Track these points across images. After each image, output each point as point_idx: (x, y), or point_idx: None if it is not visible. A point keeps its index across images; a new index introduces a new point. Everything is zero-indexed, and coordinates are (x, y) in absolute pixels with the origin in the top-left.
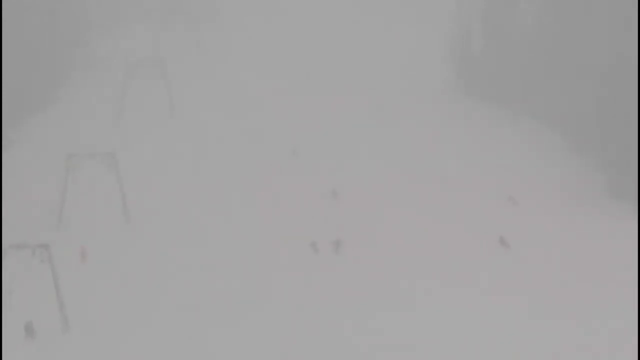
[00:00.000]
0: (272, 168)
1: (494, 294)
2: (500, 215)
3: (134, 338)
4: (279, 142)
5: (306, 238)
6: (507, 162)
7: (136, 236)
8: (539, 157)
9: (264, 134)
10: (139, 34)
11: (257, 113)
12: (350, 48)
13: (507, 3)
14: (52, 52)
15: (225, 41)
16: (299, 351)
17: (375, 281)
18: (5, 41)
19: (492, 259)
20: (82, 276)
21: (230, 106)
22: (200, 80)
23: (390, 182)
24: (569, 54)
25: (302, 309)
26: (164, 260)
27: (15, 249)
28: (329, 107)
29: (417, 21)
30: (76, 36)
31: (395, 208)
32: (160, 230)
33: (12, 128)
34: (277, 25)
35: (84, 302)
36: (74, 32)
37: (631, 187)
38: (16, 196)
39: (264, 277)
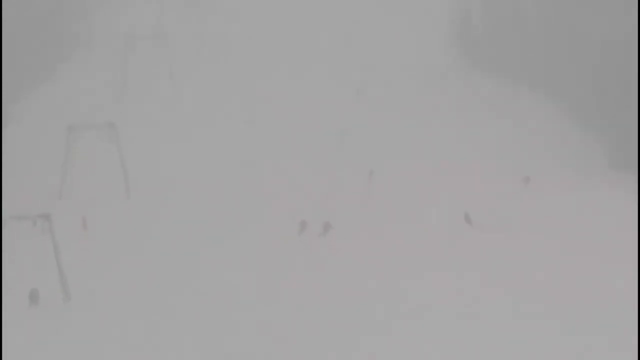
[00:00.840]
0: (275, 144)
1: (497, 272)
2: (501, 190)
3: (134, 310)
4: (282, 118)
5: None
6: (508, 135)
7: (137, 208)
8: (539, 129)
9: (266, 110)
10: (140, 8)
11: (258, 90)
12: (353, 24)
13: None
14: (52, 26)
15: (226, 20)
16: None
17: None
18: (6, 16)
19: (494, 235)
20: (84, 247)
21: (231, 82)
22: (201, 55)
23: (394, 162)
24: (569, 25)
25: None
26: (164, 232)
27: (16, 219)
28: (333, 84)
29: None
30: (77, 10)
31: (396, 186)
32: (161, 202)
33: (12, 101)
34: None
35: (85, 273)
36: (74, 6)
37: (631, 158)
38: (18, 169)
39: (263, 249)
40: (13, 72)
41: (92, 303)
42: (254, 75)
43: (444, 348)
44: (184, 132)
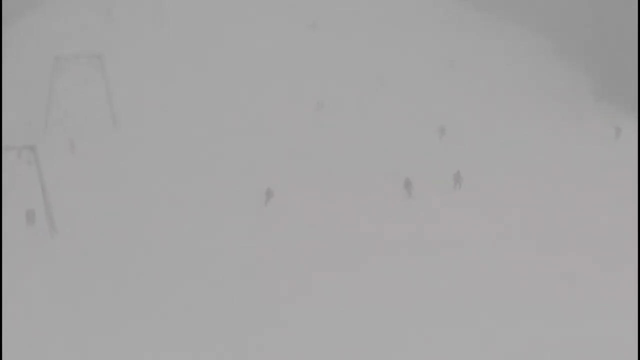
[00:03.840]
0: (264, 77)
1: (489, 207)
2: (491, 122)
3: (118, 239)
4: (272, 48)
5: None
6: (493, 66)
7: (123, 137)
8: (523, 61)
9: (257, 42)
10: None
11: (250, 25)
12: None
13: None
14: None
15: None
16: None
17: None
18: None
19: (485, 174)
20: (70, 177)
21: (222, 16)
22: None
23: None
24: None
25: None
26: (150, 163)
27: (2, 150)
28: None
29: None
30: None
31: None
32: (148, 131)
33: None
34: None
35: (72, 200)
36: None
37: (615, 89)
38: (4, 98)
39: (247, 178)
40: None
41: (77, 237)
42: (246, 14)
43: None
44: (172, 63)
